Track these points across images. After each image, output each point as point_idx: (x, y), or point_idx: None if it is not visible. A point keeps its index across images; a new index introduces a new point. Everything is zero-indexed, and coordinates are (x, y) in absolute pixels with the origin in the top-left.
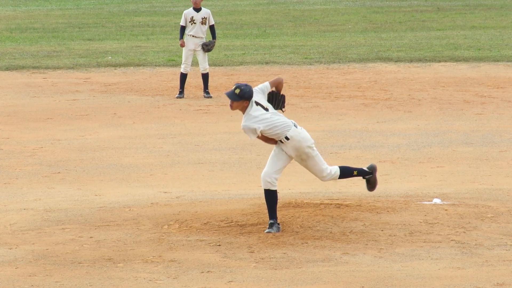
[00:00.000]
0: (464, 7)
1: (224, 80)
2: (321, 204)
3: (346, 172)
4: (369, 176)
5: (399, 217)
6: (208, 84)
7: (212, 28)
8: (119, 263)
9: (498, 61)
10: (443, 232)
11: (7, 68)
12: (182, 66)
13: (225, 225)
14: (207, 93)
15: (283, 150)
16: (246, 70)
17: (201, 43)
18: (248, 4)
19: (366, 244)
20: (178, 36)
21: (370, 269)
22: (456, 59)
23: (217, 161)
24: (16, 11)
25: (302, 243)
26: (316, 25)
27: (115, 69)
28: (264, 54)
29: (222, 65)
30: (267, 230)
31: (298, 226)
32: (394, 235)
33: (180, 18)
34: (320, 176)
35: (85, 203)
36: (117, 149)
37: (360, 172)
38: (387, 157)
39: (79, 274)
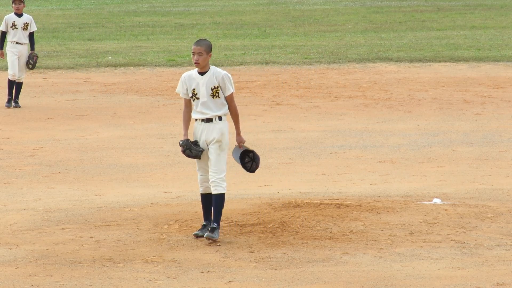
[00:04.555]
0: (464, 7)
1: None
2: (321, 204)
3: (222, 201)
4: (215, 227)
5: (399, 217)
6: (20, 95)
7: (31, 36)
8: (119, 263)
9: (498, 61)
10: (443, 232)
11: (7, 68)
12: (10, 73)
13: (225, 225)
14: (16, 102)
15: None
16: (246, 70)
17: (26, 52)
18: (248, 4)
19: (366, 244)
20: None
21: (370, 269)
22: (456, 59)
23: None
24: None
25: (302, 243)
26: (316, 25)
27: (115, 69)
28: (264, 54)
29: (222, 65)
30: (207, 234)
31: (298, 226)
32: (394, 235)
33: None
34: (220, 174)
35: (85, 203)
36: (117, 149)
37: (217, 219)
38: (387, 157)
39: (79, 274)
